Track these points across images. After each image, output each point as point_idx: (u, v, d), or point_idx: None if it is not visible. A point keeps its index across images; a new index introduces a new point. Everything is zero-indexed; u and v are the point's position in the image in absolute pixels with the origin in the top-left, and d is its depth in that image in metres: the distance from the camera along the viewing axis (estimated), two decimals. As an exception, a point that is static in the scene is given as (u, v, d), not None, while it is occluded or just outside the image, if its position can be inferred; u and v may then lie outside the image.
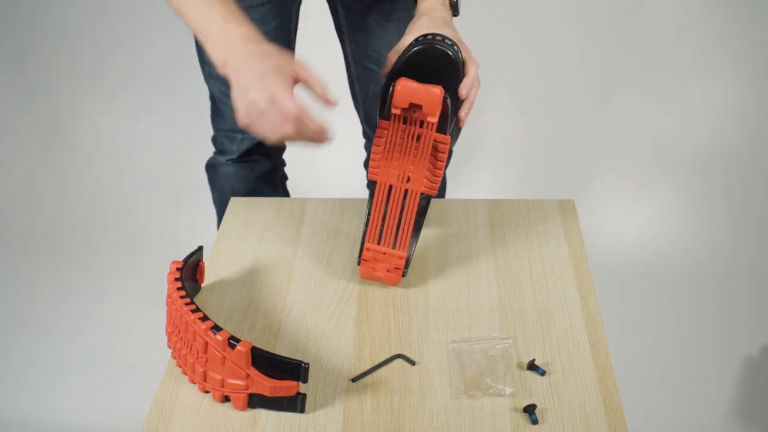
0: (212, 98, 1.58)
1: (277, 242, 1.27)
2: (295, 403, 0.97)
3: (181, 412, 0.99)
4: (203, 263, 1.16)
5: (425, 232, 1.28)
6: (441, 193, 1.71)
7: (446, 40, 1.05)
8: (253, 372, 0.96)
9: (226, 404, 0.99)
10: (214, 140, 1.63)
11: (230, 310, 1.14)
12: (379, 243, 1.14)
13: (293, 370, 0.95)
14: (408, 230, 1.13)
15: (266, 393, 0.96)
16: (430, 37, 1.05)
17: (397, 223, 1.13)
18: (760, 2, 2.46)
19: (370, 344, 1.08)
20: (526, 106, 2.57)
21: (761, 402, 1.92)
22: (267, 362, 0.95)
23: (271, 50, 1.02)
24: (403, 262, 1.14)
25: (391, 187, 1.12)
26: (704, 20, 2.49)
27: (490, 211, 1.33)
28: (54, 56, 2.60)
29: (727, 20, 2.48)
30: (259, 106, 0.97)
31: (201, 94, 1.65)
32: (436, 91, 1.03)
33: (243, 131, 1.56)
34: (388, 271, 1.14)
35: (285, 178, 1.75)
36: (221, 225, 1.33)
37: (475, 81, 1.07)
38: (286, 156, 1.72)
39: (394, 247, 1.14)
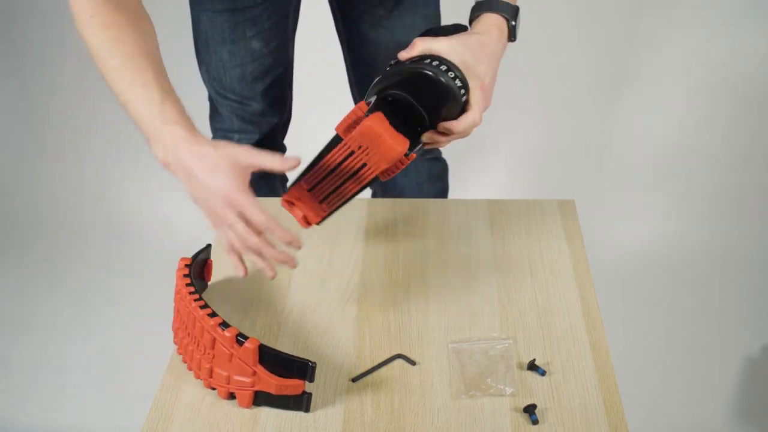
0: (210, 99, 1.58)
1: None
2: (300, 402, 0.97)
3: (181, 412, 0.99)
4: (211, 261, 1.17)
5: (426, 232, 1.28)
6: (443, 194, 1.71)
7: (450, 71, 1.01)
8: (260, 369, 0.96)
9: (227, 404, 0.99)
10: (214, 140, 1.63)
11: (231, 309, 1.14)
12: (310, 191, 1.06)
13: (300, 368, 0.95)
14: (344, 197, 1.06)
15: (272, 391, 0.96)
16: (436, 63, 1.01)
17: (338, 186, 1.05)
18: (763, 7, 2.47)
19: (370, 344, 1.08)
20: (527, 107, 2.57)
21: (761, 402, 1.92)
22: (274, 360, 0.96)
23: (215, 155, 0.98)
24: (318, 219, 1.08)
25: (352, 153, 1.01)
26: (705, 24, 2.49)
27: (490, 211, 1.33)
28: (55, 56, 2.60)
29: (729, 24, 2.48)
30: (228, 220, 0.98)
31: (200, 95, 1.65)
32: (397, 149, 0.97)
33: (240, 132, 1.57)
34: (304, 216, 1.08)
35: (285, 179, 1.75)
36: (221, 225, 1.33)
37: (463, 131, 1.04)
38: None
39: (320, 202, 1.07)
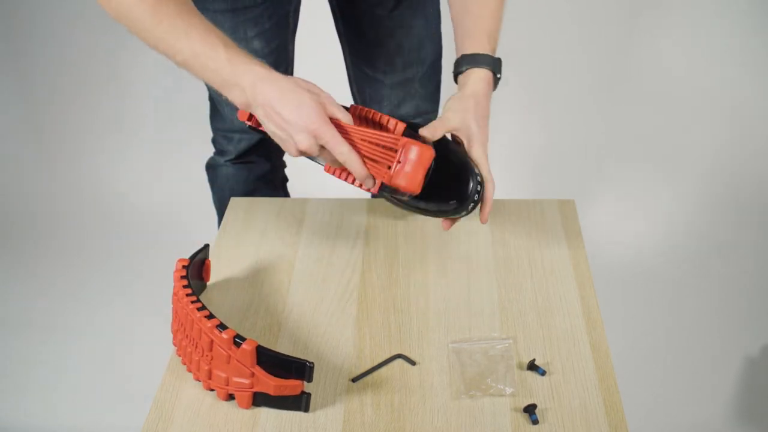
0: (211, 99, 1.58)
1: (277, 242, 1.27)
2: (299, 402, 0.97)
3: (181, 412, 0.99)
4: (209, 261, 1.17)
5: (426, 231, 1.28)
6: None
7: (478, 193, 1.06)
8: (258, 371, 0.96)
9: (226, 404, 0.99)
10: (214, 141, 1.63)
11: (231, 309, 1.14)
12: None
13: (298, 369, 0.95)
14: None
15: (271, 392, 0.96)
16: (479, 179, 1.06)
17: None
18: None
19: (370, 344, 1.08)
20: (527, 107, 2.57)
21: (761, 402, 1.92)
22: (272, 361, 0.96)
23: (297, 89, 1.03)
24: None
25: (394, 151, 1.04)
26: (705, 23, 2.49)
27: (490, 211, 1.33)
28: (56, 57, 2.60)
29: (729, 23, 2.48)
30: (313, 153, 1.03)
31: (200, 95, 1.65)
32: (417, 189, 1.03)
33: (241, 131, 1.57)
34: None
35: (285, 179, 1.74)
36: (221, 225, 1.33)
37: (491, 205, 1.09)
38: (285, 157, 1.72)
39: None
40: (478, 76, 1.13)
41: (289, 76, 1.05)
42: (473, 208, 1.07)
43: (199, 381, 1.01)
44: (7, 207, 2.50)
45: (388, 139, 1.03)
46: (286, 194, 1.75)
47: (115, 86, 2.61)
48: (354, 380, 1.02)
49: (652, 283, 2.22)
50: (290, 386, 0.96)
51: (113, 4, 1.05)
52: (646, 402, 1.88)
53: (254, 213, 1.34)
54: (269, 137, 1.55)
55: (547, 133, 2.56)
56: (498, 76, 1.15)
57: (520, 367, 1.03)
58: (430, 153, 1.01)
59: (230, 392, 0.98)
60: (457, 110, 1.10)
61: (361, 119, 1.12)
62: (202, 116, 1.65)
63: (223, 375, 0.97)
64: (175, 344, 1.06)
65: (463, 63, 1.14)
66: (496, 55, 1.16)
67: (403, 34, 1.47)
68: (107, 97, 2.62)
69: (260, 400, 0.98)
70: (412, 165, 1.01)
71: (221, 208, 1.61)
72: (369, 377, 1.03)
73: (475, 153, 1.09)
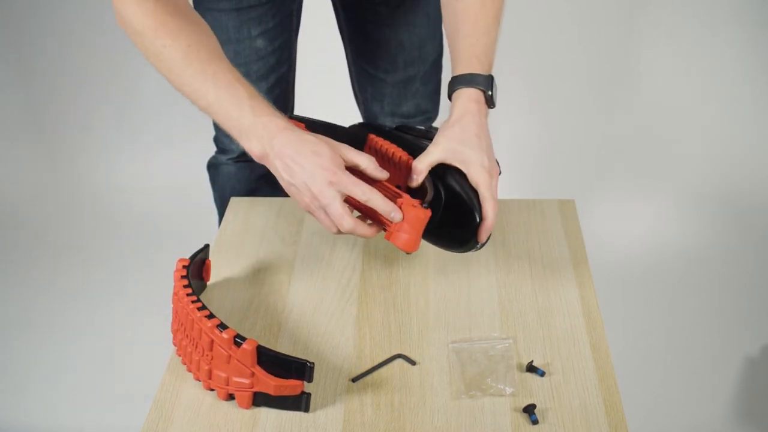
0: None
1: (278, 242, 1.27)
2: (299, 403, 0.97)
3: (181, 412, 0.99)
4: (209, 261, 1.17)
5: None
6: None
7: (474, 201, 1.05)
8: (258, 370, 0.96)
9: (226, 404, 0.99)
10: (216, 139, 1.63)
11: (231, 309, 1.14)
12: None
13: (298, 369, 0.95)
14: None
15: (271, 392, 0.96)
16: (464, 194, 1.05)
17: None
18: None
19: (370, 344, 1.08)
20: (527, 107, 2.57)
21: (761, 402, 1.92)
22: (272, 361, 0.96)
23: (315, 140, 1.03)
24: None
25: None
26: (706, 23, 2.49)
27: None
28: (56, 57, 2.60)
29: (730, 23, 2.48)
30: (325, 200, 1.01)
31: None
32: (412, 249, 1.04)
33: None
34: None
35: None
36: (221, 225, 1.33)
37: (492, 224, 1.06)
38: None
39: None
40: (467, 96, 1.12)
41: (309, 132, 1.05)
42: (482, 246, 1.07)
43: (199, 381, 1.01)
44: (7, 207, 2.50)
45: (391, 194, 1.04)
46: (286, 194, 1.75)
47: (116, 85, 2.61)
48: (354, 380, 1.02)
49: (652, 283, 2.22)
50: (290, 386, 0.96)
51: (146, 44, 1.06)
52: (646, 402, 1.88)
53: (254, 213, 1.34)
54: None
55: (547, 133, 2.56)
56: (489, 93, 1.12)
57: (520, 367, 1.03)
58: (425, 215, 1.02)
59: (230, 392, 0.98)
60: (439, 142, 1.09)
61: (375, 152, 1.14)
62: (203, 115, 1.65)
63: (223, 375, 0.97)
64: (175, 344, 1.06)
65: (454, 84, 1.13)
66: (494, 68, 1.14)
67: (405, 33, 1.47)
68: (107, 97, 2.62)
69: (260, 400, 0.98)
70: (407, 228, 1.02)
71: (222, 208, 1.61)
72: (369, 377, 1.03)
73: (474, 174, 1.06)
